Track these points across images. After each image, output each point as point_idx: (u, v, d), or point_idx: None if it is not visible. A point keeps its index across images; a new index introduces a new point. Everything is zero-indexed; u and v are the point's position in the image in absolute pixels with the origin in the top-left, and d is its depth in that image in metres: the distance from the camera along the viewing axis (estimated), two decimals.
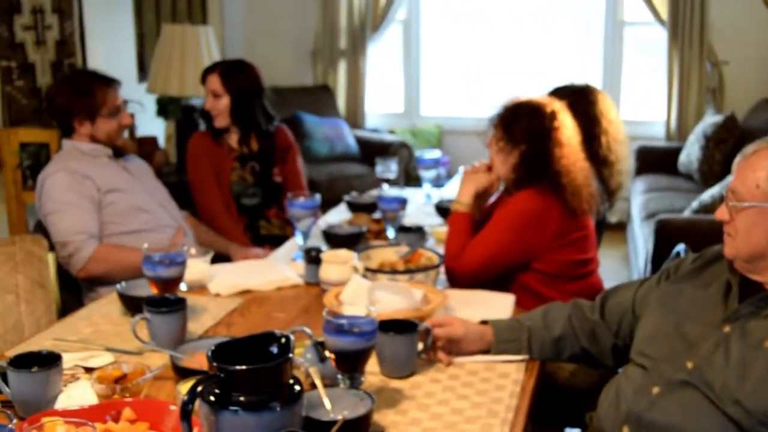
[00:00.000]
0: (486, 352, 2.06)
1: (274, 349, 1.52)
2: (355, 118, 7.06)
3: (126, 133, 3.28)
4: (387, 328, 1.86)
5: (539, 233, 2.58)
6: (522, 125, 2.62)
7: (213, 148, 3.58)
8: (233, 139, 3.64)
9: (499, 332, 2.08)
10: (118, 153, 3.15)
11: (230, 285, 2.52)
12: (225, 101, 3.56)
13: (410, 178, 6.54)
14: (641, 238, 4.75)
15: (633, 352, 1.98)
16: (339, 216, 3.52)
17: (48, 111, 3.19)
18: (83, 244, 2.85)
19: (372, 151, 6.42)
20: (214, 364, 1.43)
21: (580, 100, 3.05)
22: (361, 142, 6.63)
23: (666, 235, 3.96)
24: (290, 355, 1.48)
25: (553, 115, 2.63)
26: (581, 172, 2.64)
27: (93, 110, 3.04)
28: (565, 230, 2.61)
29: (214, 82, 3.57)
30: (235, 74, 3.59)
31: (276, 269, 2.67)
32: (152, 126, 5.37)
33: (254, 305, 2.40)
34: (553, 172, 2.58)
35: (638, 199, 5.44)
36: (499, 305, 2.34)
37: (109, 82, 3.10)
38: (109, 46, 5.09)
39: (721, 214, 1.86)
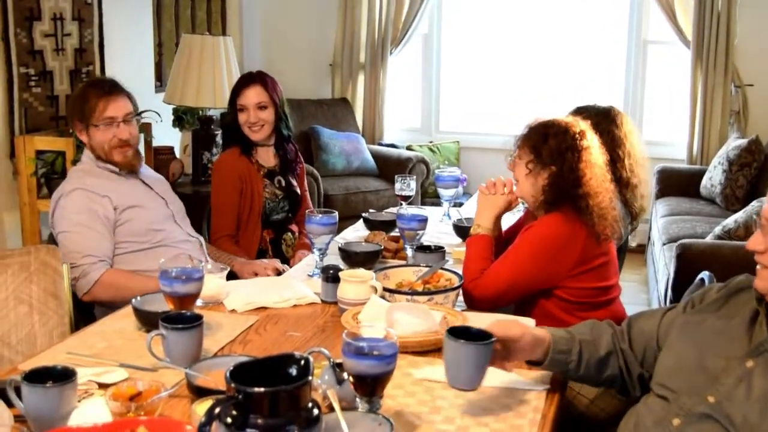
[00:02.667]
0: (536, 363, 2.00)
1: (293, 371, 1.51)
2: (372, 133, 7.07)
3: (142, 145, 3.26)
4: (461, 336, 1.80)
5: (562, 260, 2.57)
6: (551, 146, 2.60)
7: (246, 167, 3.58)
8: (261, 155, 3.65)
9: (556, 341, 1.99)
10: (128, 169, 3.13)
11: (246, 302, 2.51)
12: (271, 112, 3.59)
13: (427, 194, 6.54)
14: (662, 262, 4.72)
15: (654, 383, 1.96)
16: (356, 233, 3.51)
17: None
18: (90, 268, 2.86)
19: (389, 166, 6.43)
20: (233, 385, 1.43)
21: (604, 121, 3.05)
22: (378, 157, 6.63)
23: (688, 260, 3.94)
24: (310, 377, 1.47)
25: (582, 135, 2.62)
26: (607, 194, 2.62)
27: (85, 118, 3.03)
28: (588, 257, 2.59)
29: (259, 93, 3.58)
30: (275, 85, 3.63)
31: (292, 286, 2.66)
32: (168, 136, 5.39)
33: (270, 323, 2.40)
34: (581, 194, 2.56)
35: (659, 222, 5.41)
36: None
37: (105, 93, 3.05)
38: (128, 54, 5.12)
39: (755, 243, 1.80)
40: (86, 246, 2.89)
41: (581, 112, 3.08)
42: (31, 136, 4.27)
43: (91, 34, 4.75)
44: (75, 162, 4.07)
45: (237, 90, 3.64)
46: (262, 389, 1.40)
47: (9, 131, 4.25)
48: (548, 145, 2.62)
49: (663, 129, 6.73)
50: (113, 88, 3.09)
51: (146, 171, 3.25)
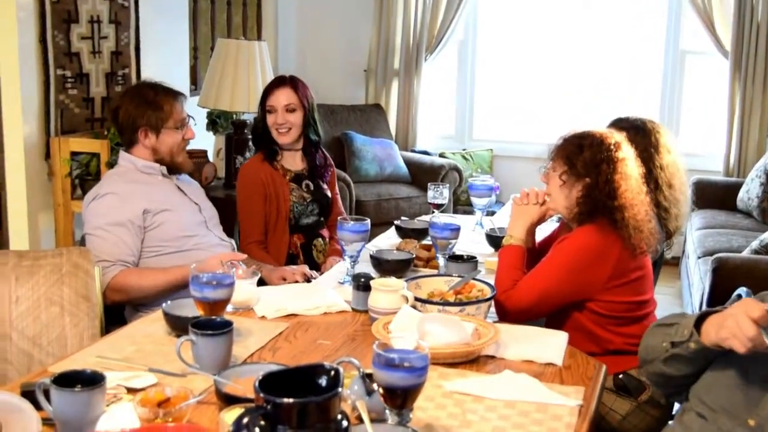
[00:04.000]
0: None
1: (323, 382, 1.49)
2: (405, 139, 7.06)
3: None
4: None
5: (596, 273, 2.54)
6: (586, 157, 2.57)
7: (270, 173, 3.58)
8: (288, 159, 3.64)
9: None
10: (174, 170, 3.17)
11: (276, 308, 2.50)
12: (300, 115, 3.59)
13: (459, 202, 6.51)
14: (697, 276, 4.66)
15: (692, 394, 1.92)
16: (388, 240, 3.50)
17: (113, 121, 3.24)
18: (106, 270, 2.89)
19: (421, 173, 6.41)
20: (262, 395, 1.41)
21: (641, 134, 3.00)
22: (410, 163, 6.61)
23: (724, 274, 3.88)
24: (340, 389, 1.45)
25: (617, 147, 2.59)
26: (643, 207, 2.59)
27: (159, 122, 3.09)
28: (623, 270, 2.56)
29: (289, 95, 3.58)
30: (305, 89, 3.63)
31: (323, 294, 2.65)
32: (202, 140, 5.40)
33: (300, 330, 2.38)
34: (616, 206, 2.53)
35: (694, 234, 5.34)
36: (552, 343, 2.29)
37: (176, 95, 3.16)
38: (163, 58, 5.13)
39: None
40: (102, 250, 2.92)
41: (617, 124, 3.04)
42: (66, 137, 4.30)
43: (127, 37, 4.77)
44: (109, 164, 4.09)
45: (267, 91, 3.65)
46: (291, 400, 1.38)
47: (45, 132, 4.28)
48: (583, 156, 2.59)
49: (699, 140, 6.64)
50: (177, 91, 3.19)
51: (182, 176, 3.27)
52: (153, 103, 3.10)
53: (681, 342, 1.93)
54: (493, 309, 2.53)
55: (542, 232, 3.00)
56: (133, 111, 3.11)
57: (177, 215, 3.08)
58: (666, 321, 2.05)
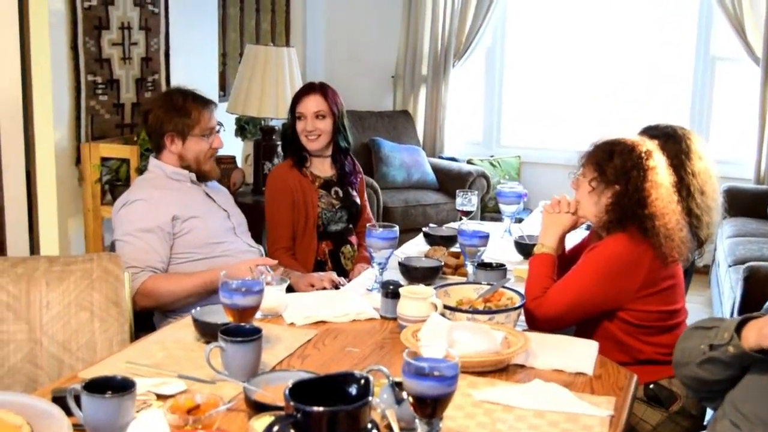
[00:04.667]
0: None
1: (353, 391, 1.49)
2: (433, 146, 7.05)
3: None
4: None
5: (627, 281, 2.51)
6: (616, 164, 2.56)
7: (299, 179, 3.59)
8: (317, 166, 3.65)
9: None
10: (202, 178, 3.18)
11: (305, 315, 2.50)
12: (329, 122, 3.59)
13: (486, 209, 6.49)
14: (727, 285, 4.62)
15: (727, 402, 1.90)
16: (416, 247, 3.49)
17: (143, 125, 3.26)
18: (135, 276, 2.90)
19: (449, 180, 6.41)
20: (292, 403, 1.41)
21: (671, 141, 2.97)
22: (438, 170, 6.61)
23: (755, 283, 3.84)
24: (370, 398, 1.44)
25: (648, 155, 2.57)
26: (674, 215, 2.56)
27: (185, 128, 3.10)
28: (654, 279, 2.53)
29: (319, 102, 3.59)
30: (335, 96, 3.64)
31: (352, 301, 2.65)
32: (230, 145, 5.43)
33: (329, 338, 2.38)
34: (646, 214, 2.51)
35: (725, 243, 5.29)
36: (582, 352, 2.27)
37: (206, 103, 3.16)
38: (193, 64, 5.16)
39: None
40: (131, 256, 2.93)
41: (649, 131, 3.01)
42: (96, 143, 4.33)
43: (157, 43, 4.80)
44: (139, 170, 4.12)
45: (297, 98, 3.66)
46: (321, 409, 1.38)
47: (75, 138, 4.31)
48: (613, 163, 2.57)
49: (730, 147, 6.58)
50: (207, 99, 3.20)
51: (211, 182, 3.28)
52: (181, 110, 3.11)
53: (720, 345, 1.91)
54: (522, 317, 2.52)
55: (572, 240, 2.98)
56: (162, 116, 3.13)
57: (206, 222, 3.08)
58: (705, 324, 2.03)
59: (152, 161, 3.18)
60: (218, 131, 3.21)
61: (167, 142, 3.12)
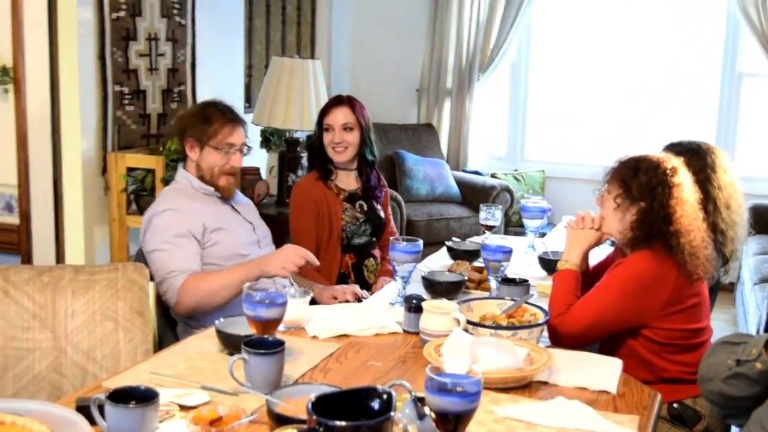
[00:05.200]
0: None
1: (376, 405, 1.49)
2: (457, 159, 7.05)
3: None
4: None
5: (651, 299, 2.50)
6: (642, 181, 2.55)
7: (323, 192, 3.60)
8: (342, 179, 3.66)
9: None
10: (226, 195, 3.18)
11: (328, 328, 2.50)
12: (357, 134, 3.61)
13: (510, 224, 6.47)
14: (752, 303, 4.58)
15: (752, 420, 1.88)
16: (439, 261, 3.49)
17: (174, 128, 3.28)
18: (175, 279, 2.90)
19: (473, 193, 6.40)
20: (314, 417, 1.41)
21: (696, 156, 2.95)
22: (461, 183, 6.60)
23: None
24: (392, 413, 1.44)
25: (673, 171, 2.56)
26: (699, 233, 2.55)
27: (203, 136, 3.10)
28: (678, 297, 2.52)
29: (347, 114, 3.60)
30: (363, 110, 3.66)
31: (375, 314, 2.65)
32: (255, 157, 5.45)
33: (351, 351, 2.38)
34: (672, 231, 2.50)
35: (750, 260, 5.25)
36: (606, 370, 2.25)
37: (231, 119, 3.15)
38: (219, 75, 5.20)
39: None
40: (172, 262, 2.93)
41: (673, 148, 3.00)
42: (122, 153, 4.36)
43: (183, 54, 4.84)
44: (165, 180, 4.14)
45: (325, 110, 3.67)
46: (344, 423, 1.38)
47: (102, 148, 4.34)
48: (638, 179, 2.57)
49: (756, 164, 6.52)
50: (237, 117, 3.19)
51: (236, 195, 3.29)
52: (204, 118, 3.12)
53: (747, 361, 1.90)
54: (545, 334, 2.51)
55: (596, 256, 2.97)
56: (186, 120, 3.16)
57: (232, 234, 3.10)
58: (732, 339, 2.02)
59: (180, 171, 3.20)
60: (244, 153, 3.20)
61: (187, 147, 3.14)
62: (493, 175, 6.82)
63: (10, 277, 2.59)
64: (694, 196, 2.60)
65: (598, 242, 2.74)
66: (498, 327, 2.38)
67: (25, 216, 4.13)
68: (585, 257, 2.75)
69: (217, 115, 3.12)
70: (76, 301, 2.61)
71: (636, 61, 6.83)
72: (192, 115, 3.16)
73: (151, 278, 2.77)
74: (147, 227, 3.03)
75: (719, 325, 5.39)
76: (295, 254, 2.81)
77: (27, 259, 4.16)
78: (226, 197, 3.20)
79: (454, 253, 3.50)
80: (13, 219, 4.17)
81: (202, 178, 3.14)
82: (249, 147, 3.23)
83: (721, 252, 2.90)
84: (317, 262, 2.88)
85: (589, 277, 2.76)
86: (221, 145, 3.11)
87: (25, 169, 4.11)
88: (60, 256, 4.27)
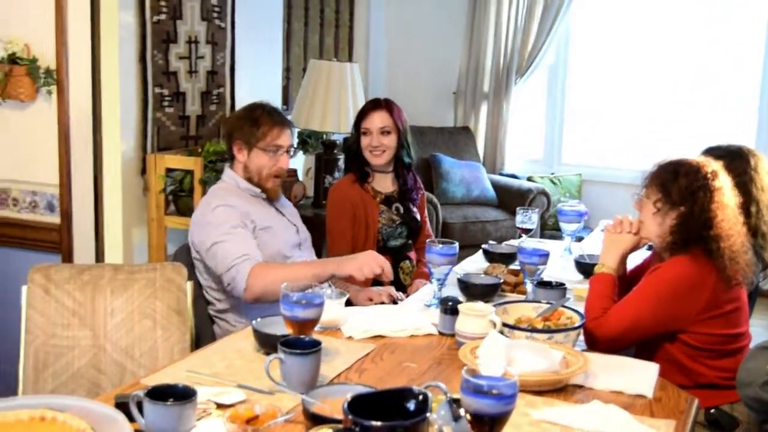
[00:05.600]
0: None
1: (411, 406, 1.50)
2: (493, 162, 7.03)
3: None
4: None
5: (690, 303, 2.48)
6: (681, 185, 2.53)
7: (360, 195, 3.61)
8: (379, 182, 3.67)
9: None
10: (267, 197, 3.20)
11: (364, 329, 2.51)
12: (394, 137, 3.62)
13: (546, 227, 6.44)
14: None
15: None
16: (475, 264, 3.49)
17: (222, 135, 3.29)
18: (242, 264, 2.88)
19: (509, 196, 6.39)
20: (350, 417, 1.42)
21: (737, 159, 2.93)
22: (498, 187, 6.59)
23: None
24: (428, 414, 1.45)
25: (714, 175, 2.54)
26: (739, 237, 2.53)
27: (252, 139, 3.12)
28: (717, 301, 2.49)
29: (384, 118, 3.62)
30: (400, 113, 3.67)
31: (411, 316, 2.65)
32: (292, 159, 5.47)
33: (386, 352, 2.38)
34: (711, 236, 2.48)
35: None
36: (642, 375, 2.24)
37: (281, 121, 3.17)
38: (257, 77, 5.22)
39: None
40: (238, 248, 2.91)
41: (712, 151, 2.97)
42: (162, 154, 4.40)
43: (223, 57, 4.87)
44: (203, 181, 4.17)
45: (363, 113, 3.68)
46: (379, 424, 1.39)
47: (141, 149, 4.38)
48: (678, 184, 2.55)
49: None
50: (285, 119, 3.21)
51: (280, 197, 3.31)
52: (253, 120, 3.14)
53: None
54: (581, 337, 2.50)
55: (633, 261, 2.95)
56: (234, 122, 3.18)
57: (277, 235, 3.12)
58: None
59: (227, 172, 3.22)
60: (291, 155, 3.22)
61: (235, 149, 3.16)
62: (529, 179, 6.79)
63: (51, 275, 2.63)
64: (734, 200, 2.58)
65: (635, 247, 2.73)
66: (534, 330, 2.37)
67: (66, 215, 4.18)
68: (622, 261, 2.73)
69: (266, 117, 3.14)
70: (115, 300, 2.64)
71: (675, 63, 6.77)
72: (240, 118, 3.18)
73: (188, 278, 2.79)
74: (201, 225, 3.02)
75: (758, 331, 5.31)
76: (375, 261, 2.80)
77: (68, 257, 4.21)
78: (272, 198, 3.22)
79: (490, 256, 3.49)
80: (55, 218, 4.22)
81: (249, 180, 3.16)
82: (295, 149, 3.25)
83: (761, 257, 2.88)
84: (392, 276, 2.87)
85: (626, 281, 2.74)
86: (269, 147, 3.13)
87: (66, 169, 4.16)
88: (100, 255, 4.31)
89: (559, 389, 2.12)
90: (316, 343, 2.03)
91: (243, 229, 2.98)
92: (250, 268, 2.86)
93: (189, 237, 3.10)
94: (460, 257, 3.24)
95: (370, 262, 2.79)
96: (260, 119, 3.13)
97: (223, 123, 3.21)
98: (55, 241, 4.19)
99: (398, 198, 3.71)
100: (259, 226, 3.06)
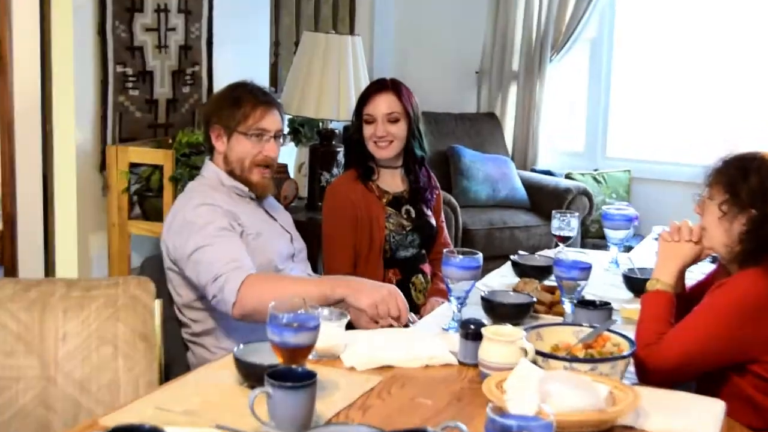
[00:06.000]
0: None
1: None
2: (524, 156, 7.05)
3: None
4: None
5: (762, 329, 2.48)
6: (753, 184, 2.54)
7: (363, 195, 3.62)
8: (385, 179, 3.67)
9: None
10: (256, 195, 3.20)
11: (368, 358, 2.51)
12: (403, 126, 3.62)
13: (588, 234, 6.44)
14: None
15: None
16: (502, 279, 3.49)
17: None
18: (232, 273, 2.86)
19: (543, 198, 6.41)
20: None
21: None
22: (529, 185, 6.60)
23: None
24: None
25: None
26: None
27: (231, 122, 3.11)
28: None
29: (391, 102, 3.62)
30: (410, 96, 3.67)
31: (424, 342, 2.65)
32: (282, 152, 5.47)
33: (396, 386, 2.38)
34: None
35: None
36: (705, 413, 2.23)
37: (264, 101, 3.17)
38: (239, 54, 5.22)
39: None
40: (226, 254, 2.91)
41: None
42: (125, 146, 4.40)
43: (198, 29, 4.88)
44: (174, 178, 4.17)
45: (365, 97, 3.67)
46: None
47: (101, 139, 4.38)
48: (749, 183, 2.55)
49: None
50: (271, 98, 3.22)
51: (269, 199, 3.31)
52: (233, 99, 3.14)
53: None
54: (631, 368, 2.49)
55: (694, 275, 2.95)
56: (213, 105, 3.19)
57: (269, 243, 3.11)
58: None
59: (208, 165, 3.22)
60: (282, 143, 3.23)
61: (213, 137, 3.16)
62: (568, 176, 6.80)
63: None
64: None
65: (697, 258, 2.73)
66: (574, 359, 2.36)
67: (10, 220, 4.19)
68: (681, 276, 2.73)
69: (248, 96, 3.15)
70: (69, 322, 2.63)
71: (742, 36, 6.75)
72: (218, 99, 3.19)
73: (157, 295, 2.78)
74: (179, 227, 3.01)
75: None
76: (395, 301, 2.81)
77: (11, 271, 4.22)
78: (261, 195, 3.23)
79: (521, 270, 3.49)
80: None
81: (232, 173, 3.15)
82: (285, 135, 3.25)
83: None
84: (405, 320, 2.87)
85: (685, 300, 2.73)
86: (251, 130, 3.13)
87: (10, 165, 4.17)
88: (50, 268, 4.32)
89: (605, 431, 2.12)
90: (311, 375, 2.03)
91: (231, 232, 2.98)
92: (242, 277, 2.85)
93: (161, 243, 3.10)
94: (484, 271, 3.24)
95: (390, 301, 2.80)
96: (241, 99, 3.13)
97: (200, 107, 3.20)
98: None
99: (409, 199, 3.71)
100: (247, 231, 3.06)
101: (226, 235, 2.96)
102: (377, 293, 2.82)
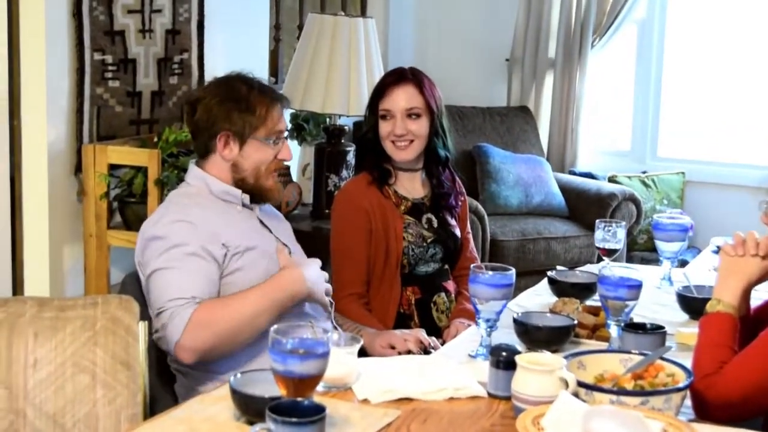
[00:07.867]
0: None
1: None
2: (562, 157, 7.05)
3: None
4: None
5: None
6: None
7: (379, 202, 3.62)
8: (403, 184, 3.67)
9: None
10: (259, 198, 3.20)
11: (384, 389, 2.50)
12: (425, 122, 3.63)
13: (635, 246, 6.43)
14: None
15: None
16: (538, 299, 3.49)
17: (187, 119, 3.27)
18: (178, 310, 2.88)
19: (584, 204, 6.41)
20: None
21: None
22: (568, 190, 6.61)
23: None
24: None
25: None
26: None
27: (247, 128, 3.12)
28: None
29: (412, 95, 3.62)
30: (433, 88, 3.67)
31: (448, 371, 2.65)
32: None
33: (416, 421, 2.38)
34: None
35: None
36: None
37: (277, 98, 3.20)
38: (235, 39, 5.23)
39: None
40: (177, 286, 2.92)
41: None
42: (103, 145, 4.40)
43: (188, 11, 4.89)
44: (160, 182, 4.18)
45: (381, 90, 3.67)
46: None
47: (76, 137, 4.38)
48: None
49: None
50: (277, 93, 3.25)
51: (265, 206, 3.30)
52: (243, 102, 3.13)
53: None
54: (688, 402, 2.49)
55: (760, 294, 2.94)
56: (215, 108, 3.15)
57: (263, 257, 3.10)
58: None
59: (194, 171, 3.21)
60: (287, 138, 3.24)
61: (219, 145, 3.14)
62: (612, 179, 6.80)
63: None
64: None
65: (764, 276, 2.71)
66: (622, 392, 2.36)
67: None
68: (745, 296, 2.72)
69: (258, 96, 3.15)
70: (40, 347, 2.64)
71: None
72: (221, 100, 3.16)
73: (141, 316, 2.79)
74: (147, 243, 3.04)
75: None
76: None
77: None
78: (273, 201, 3.27)
79: (559, 288, 3.49)
80: None
81: (242, 181, 3.16)
82: (288, 130, 3.27)
83: None
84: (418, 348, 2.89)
85: (750, 323, 2.73)
86: (271, 135, 3.16)
87: None
88: (18, 285, 4.33)
89: None
90: (319, 409, 2.03)
91: (200, 260, 2.97)
92: (189, 315, 2.86)
93: (135, 255, 3.11)
94: (517, 289, 3.25)
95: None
96: (253, 101, 3.14)
97: (197, 109, 3.16)
98: None
99: (431, 206, 3.71)
100: (234, 249, 3.04)
101: (193, 262, 2.96)
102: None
